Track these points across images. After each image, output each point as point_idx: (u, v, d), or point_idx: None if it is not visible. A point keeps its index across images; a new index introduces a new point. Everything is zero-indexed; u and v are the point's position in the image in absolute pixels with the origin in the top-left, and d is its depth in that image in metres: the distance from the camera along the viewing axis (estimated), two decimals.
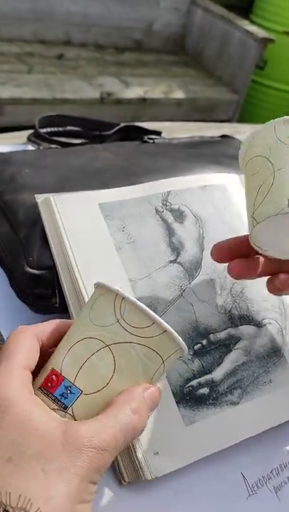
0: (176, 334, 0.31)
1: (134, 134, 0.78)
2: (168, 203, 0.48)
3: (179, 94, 2.05)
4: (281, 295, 0.44)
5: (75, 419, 0.29)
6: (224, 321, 0.43)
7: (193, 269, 0.46)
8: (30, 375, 0.30)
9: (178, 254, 0.46)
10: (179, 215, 0.48)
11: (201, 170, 0.55)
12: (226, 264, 0.47)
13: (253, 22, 2.25)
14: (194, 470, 0.37)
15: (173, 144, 0.70)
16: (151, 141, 0.73)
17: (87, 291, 0.41)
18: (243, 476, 0.38)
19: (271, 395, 0.41)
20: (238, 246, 0.41)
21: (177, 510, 0.36)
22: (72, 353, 0.31)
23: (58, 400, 0.30)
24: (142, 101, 1.96)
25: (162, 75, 2.16)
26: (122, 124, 0.77)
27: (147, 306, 0.43)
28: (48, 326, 0.33)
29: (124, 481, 0.36)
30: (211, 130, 0.93)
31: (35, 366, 0.31)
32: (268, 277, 0.41)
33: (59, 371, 0.31)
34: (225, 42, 2.16)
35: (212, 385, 0.40)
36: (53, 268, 0.43)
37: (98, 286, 0.33)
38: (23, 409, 0.27)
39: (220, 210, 0.49)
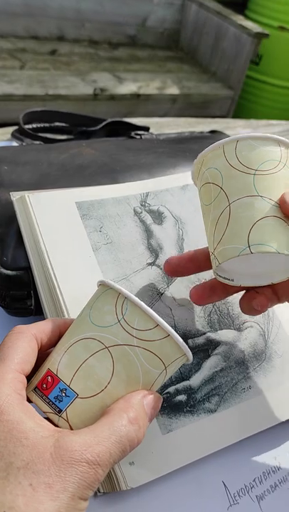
0: (180, 339, 0.29)
1: (122, 130, 0.76)
2: (146, 204, 0.47)
3: (173, 90, 2.02)
4: (255, 315, 0.42)
5: (69, 424, 0.28)
6: (203, 326, 0.42)
7: None
8: (25, 380, 0.29)
9: (156, 257, 0.44)
10: (158, 217, 0.47)
11: (186, 166, 0.54)
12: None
13: (247, 17, 2.23)
14: (172, 479, 0.36)
15: (160, 139, 0.68)
16: (138, 136, 0.72)
17: (63, 293, 0.39)
18: (225, 485, 0.37)
19: (250, 402, 0.40)
20: (192, 259, 0.39)
21: None
22: (70, 354, 0.29)
23: (52, 403, 0.28)
24: (136, 97, 1.94)
25: (156, 71, 2.14)
26: (109, 120, 0.76)
27: None
28: (48, 325, 0.32)
29: (99, 492, 0.35)
30: (202, 126, 0.91)
31: (34, 367, 0.30)
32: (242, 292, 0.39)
33: (55, 372, 0.29)
34: (219, 37, 2.14)
35: (189, 392, 0.39)
36: (28, 269, 0.42)
37: (101, 284, 0.31)
38: (12, 417, 0.26)
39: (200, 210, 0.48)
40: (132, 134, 0.72)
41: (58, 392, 0.28)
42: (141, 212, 0.46)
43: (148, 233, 0.46)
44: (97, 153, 0.54)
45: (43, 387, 0.29)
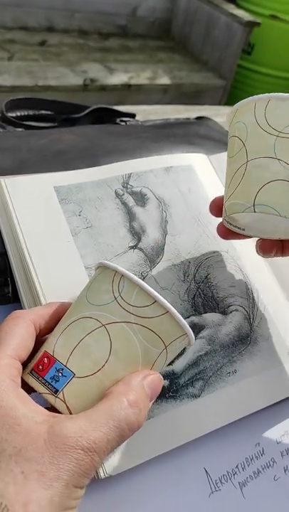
0: (179, 316, 0.28)
1: (108, 117, 0.75)
2: (129, 186, 0.46)
3: (164, 80, 2.00)
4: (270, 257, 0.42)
5: (66, 405, 0.27)
6: (187, 309, 0.41)
7: (154, 255, 0.43)
8: (20, 367, 0.28)
9: (139, 240, 0.43)
10: (141, 198, 0.46)
11: (170, 150, 0.52)
12: (190, 250, 0.44)
13: (239, 6, 2.20)
14: (153, 466, 0.35)
15: (145, 125, 0.67)
16: (123, 123, 0.70)
17: (40, 280, 0.38)
18: (206, 472, 0.36)
19: (235, 386, 0.39)
20: None
21: (134, 509, 0.33)
22: (66, 334, 0.29)
23: (49, 384, 0.28)
24: (127, 87, 1.92)
25: (147, 61, 2.11)
26: (94, 106, 0.74)
27: None
28: (46, 310, 0.31)
29: None
30: (190, 113, 0.90)
31: (31, 353, 0.29)
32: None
33: (51, 353, 0.28)
34: (210, 26, 2.12)
35: (172, 377, 0.38)
36: (4, 255, 0.41)
37: (99, 266, 0.31)
38: (6, 403, 0.25)
39: (184, 193, 0.47)
40: (118, 120, 0.71)
41: (54, 373, 0.28)
42: (123, 195, 0.45)
43: (130, 216, 0.44)
44: (78, 138, 0.53)
45: (39, 369, 0.28)
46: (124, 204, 0.45)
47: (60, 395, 0.27)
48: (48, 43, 2.08)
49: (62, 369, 0.28)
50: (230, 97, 2.23)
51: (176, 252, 0.43)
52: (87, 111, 0.73)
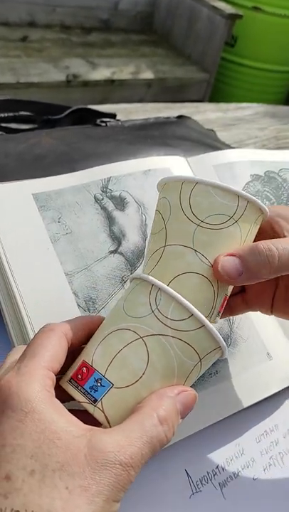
0: (215, 330, 0.29)
1: (88, 118, 0.75)
2: (108, 190, 0.46)
3: (147, 75, 2.00)
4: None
5: (105, 415, 0.28)
6: None
7: (135, 258, 0.43)
8: (54, 378, 0.28)
9: (119, 244, 0.44)
10: (120, 202, 0.46)
11: (147, 153, 0.52)
12: None
13: None
14: None
15: (125, 126, 0.67)
16: (104, 124, 0.70)
17: (20, 289, 0.38)
18: (187, 473, 0.36)
19: (217, 387, 0.39)
20: None
21: None
22: (105, 345, 0.29)
23: (88, 393, 0.28)
24: (110, 82, 1.91)
25: (130, 55, 2.11)
26: (74, 107, 0.74)
27: (85, 300, 0.41)
28: (77, 323, 0.31)
29: None
30: (171, 111, 0.90)
31: (63, 365, 0.29)
32: None
33: (90, 363, 0.29)
34: (193, 19, 2.11)
35: None
36: None
37: (134, 278, 0.31)
38: (44, 415, 0.25)
39: None
40: (98, 121, 0.71)
41: (93, 382, 0.28)
42: (102, 199, 0.45)
43: (110, 220, 0.45)
44: (56, 142, 0.53)
45: (78, 378, 0.29)
46: (104, 209, 0.45)
47: (99, 405, 0.28)
48: (30, 39, 2.06)
49: (101, 379, 0.28)
50: (214, 91, 2.24)
51: None
52: (67, 112, 0.73)
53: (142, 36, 2.32)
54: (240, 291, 0.39)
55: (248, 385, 0.40)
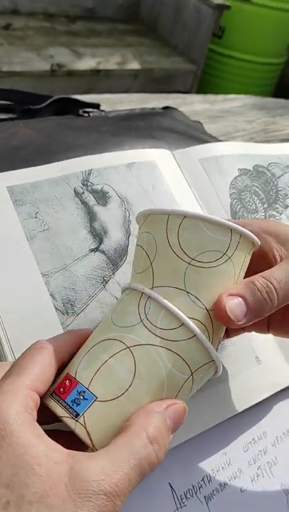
0: (207, 341, 0.27)
1: (71, 108, 0.72)
2: (89, 183, 0.43)
3: (134, 65, 1.96)
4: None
5: (87, 430, 0.25)
6: None
7: (117, 257, 0.41)
8: (38, 399, 0.26)
9: (100, 242, 0.41)
10: (102, 197, 0.43)
11: (131, 145, 0.50)
12: None
13: None
14: None
15: (108, 117, 0.64)
16: (86, 114, 0.67)
17: None
18: (171, 487, 0.34)
19: (207, 393, 0.37)
20: None
21: None
22: (90, 356, 0.27)
23: (70, 407, 0.26)
24: (96, 73, 1.87)
25: (116, 45, 2.06)
26: (55, 97, 0.71)
27: (63, 302, 0.38)
28: (67, 339, 0.29)
29: None
30: (156, 102, 0.87)
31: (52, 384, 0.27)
32: None
33: (73, 375, 0.27)
34: (179, 9, 2.07)
35: None
36: None
37: (125, 288, 0.30)
38: (23, 440, 0.23)
39: (148, 190, 0.45)
40: (80, 111, 0.68)
41: (75, 395, 0.26)
42: (83, 193, 0.43)
43: (91, 216, 0.42)
44: (35, 133, 0.50)
45: (61, 391, 0.27)
46: (84, 203, 0.42)
47: (81, 419, 0.26)
48: (13, 27, 2.00)
49: (84, 392, 0.26)
50: (202, 83, 2.20)
51: None
52: (48, 101, 0.70)
53: (127, 26, 2.27)
54: None
55: (237, 390, 0.38)
